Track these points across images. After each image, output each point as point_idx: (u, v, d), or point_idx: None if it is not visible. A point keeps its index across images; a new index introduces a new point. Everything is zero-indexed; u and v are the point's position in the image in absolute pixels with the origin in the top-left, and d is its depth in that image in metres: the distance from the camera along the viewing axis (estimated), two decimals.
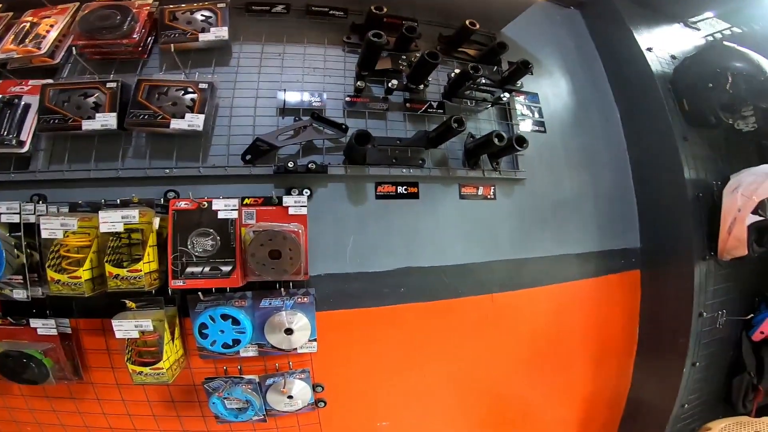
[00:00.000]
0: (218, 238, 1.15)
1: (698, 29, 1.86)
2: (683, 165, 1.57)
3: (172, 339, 1.16)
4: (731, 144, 1.68)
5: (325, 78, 1.41)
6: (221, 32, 1.25)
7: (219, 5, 1.27)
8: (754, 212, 1.44)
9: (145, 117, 1.14)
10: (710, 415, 1.71)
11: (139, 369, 1.10)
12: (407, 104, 1.48)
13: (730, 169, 1.61)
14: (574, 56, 1.84)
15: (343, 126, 1.34)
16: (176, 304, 1.19)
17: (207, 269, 1.14)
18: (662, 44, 1.72)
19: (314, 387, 1.36)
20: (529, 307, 1.62)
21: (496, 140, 1.37)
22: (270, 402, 1.32)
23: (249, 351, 1.27)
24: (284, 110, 1.33)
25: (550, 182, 1.66)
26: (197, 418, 1.31)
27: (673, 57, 1.71)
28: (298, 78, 1.38)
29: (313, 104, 1.36)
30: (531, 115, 1.68)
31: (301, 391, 1.33)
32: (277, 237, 1.16)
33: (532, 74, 1.63)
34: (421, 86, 1.47)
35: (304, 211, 1.23)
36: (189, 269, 1.13)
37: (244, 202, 1.19)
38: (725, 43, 1.66)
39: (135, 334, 1.08)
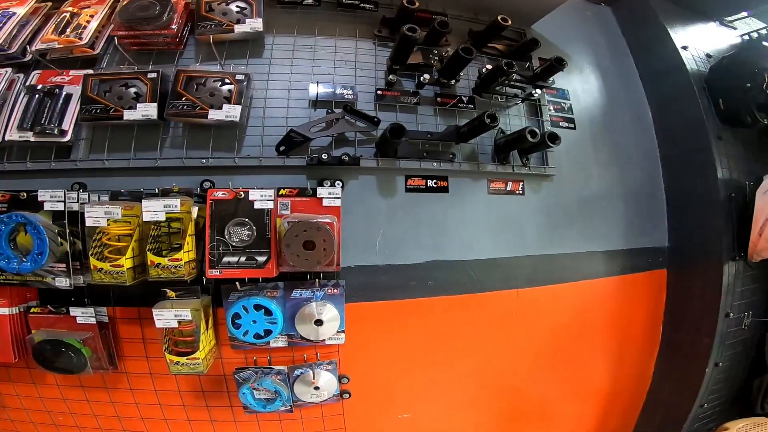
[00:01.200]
0: (254, 228, 1.16)
1: (734, 28, 1.84)
2: (716, 164, 1.55)
3: (207, 329, 1.18)
4: (765, 144, 1.65)
5: (357, 71, 1.42)
6: (256, 23, 1.26)
7: None
8: None
9: (184, 107, 1.15)
10: (728, 415, 1.71)
11: (176, 359, 1.12)
12: (438, 98, 1.48)
13: (764, 169, 1.60)
14: (605, 53, 1.82)
15: (376, 119, 1.35)
16: (210, 293, 1.21)
17: (243, 259, 1.16)
18: (697, 43, 1.70)
19: (340, 378, 1.38)
20: (553, 303, 1.62)
21: (528, 136, 1.37)
22: (297, 393, 1.33)
23: (279, 341, 1.28)
24: (316, 102, 1.34)
25: (579, 179, 1.66)
26: (225, 408, 1.33)
27: (708, 56, 1.69)
28: (329, 71, 1.39)
29: (345, 97, 1.36)
30: (561, 111, 1.68)
31: (327, 382, 1.35)
32: (311, 228, 1.17)
33: (563, 71, 1.63)
34: (453, 81, 1.47)
35: (337, 202, 1.24)
36: (225, 259, 1.15)
37: (280, 193, 1.20)
38: (763, 42, 1.64)
39: (174, 324, 1.10)
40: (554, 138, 1.43)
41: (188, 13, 1.27)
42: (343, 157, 1.29)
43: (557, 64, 1.48)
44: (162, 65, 1.22)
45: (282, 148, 1.26)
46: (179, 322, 1.11)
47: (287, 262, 1.18)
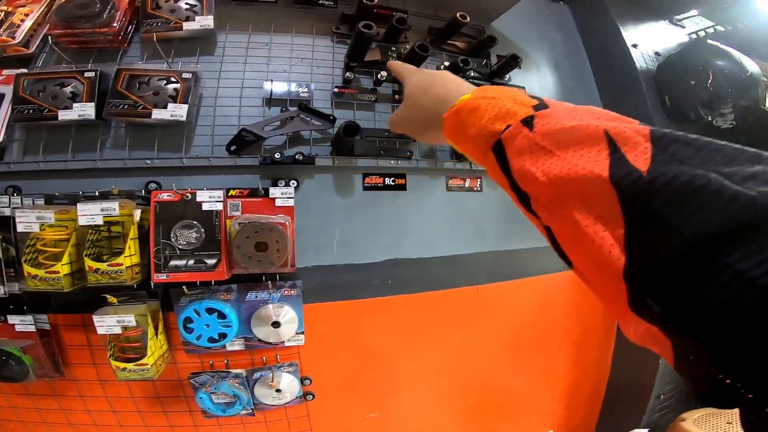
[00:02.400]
0: (202, 230, 1.09)
1: (683, 27, 1.82)
2: None
3: (156, 334, 1.11)
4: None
5: (313, 68, 1.35)
6: (206, 21, 1.18)
7: None
8: None
9: (125, 107, 1.07)
10: (686, 406, 1.70)
11: (122, 365, 1.04)
12: (396, 96, 1.43)
13: None
14: (561, 50, 1.79)
15: (331, 117, 1.28)
16: (159, 298, 1.13)
17: (191, 262, 1.09)
18: (647, 41, 1.68)
19: (302, 380, 1.32)
20: (514, 298, 1.59)
21: None
22: (258, 396, 1.27)
23: (235, 345, 1.22)
24: (270, 101, 1.27)
25: None
26: (184, 414, 1.25)
27: (657, 54, 1.67)
28: (285, 68, 1.31)
29: (301, 95, 1.30)
30: None
31: (289, 384, 1.29)
32: (263, 229, 1.11)
33: (520, 68, 1.60)
34: None
35: (291, 202, 1.18)
36: (173, 262, 1.07)
37: (229, 194, 1.13)
38: (708, 41, 1.62)
39: (118, 330, 1.02)
40: None
41: (134, 11, 1.18)
42: (297, 156, 1.22)
43: (513, 61, 1.44)
44: (105, 64, 1.12)
45: (233, 148, 1.19)
46: (124, 328, 1.03)
47: (239, 264, 1.12)
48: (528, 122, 0.40)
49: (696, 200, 0.26)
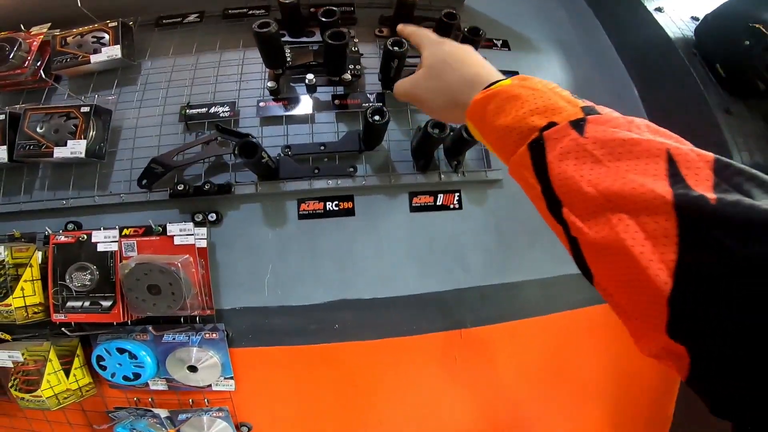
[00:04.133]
0: (97, 272, 0.99)
1: None
2: (729, 145, 1.00)
3: (70, 368, 1.05)
4: None
5: (241, 83, 1.16)
6: (113, 51, 1.08)
7: (111, 25, 1.10)
8: None
9: (31, 147, 1.02)
10: None
11: (21, 395, 1.02)
12: (336, 101, 1.15)
13: None
14: (568, 28, 1.29)
15: (250, 136, 1.07)
16: (78, 336, 1.07)
17: (87, 304, 1.00)
18: (675, 3, 1.15)
19: (239, 426, 1.15)
20: (513, 343, 1.18)
21: (433, 131, 0.98)
22: None
23: (158, 384, 1.10)
24: (188, 126, 1.12)
25: None
26: None
27: (694, 18, 1.14)
28: (210, 89, 1.15)
29: (221, 115, 1.12)
30: None
31: (220, 430, 1.13)
32: (153, 271, 0.96)
33: (509, 49, 1.17)
34: (347, 76, 1.12)
35: (192, 240, 1.01)
36: (69, 303, 1.00)
37: (123, 233, 1.01)
38: None
39: (9, 363, 1.00)
40: None
41: (47, 51, 1.13)
42: (206, 186, 1.05)
43: (473, 36, 1.03)
44: (24, 104, 1.10)
45: (144, 182, 1.07)
46: (16, 362, 1.00)
47: (134, 307, 1.00)
48: (578, 125, 0.36)
49: (762, 233, 0.25)
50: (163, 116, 1.12)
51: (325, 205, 1.11)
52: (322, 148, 1.10)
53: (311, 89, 1.12)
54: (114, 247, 0.99)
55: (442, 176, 1.12)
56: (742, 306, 0.25)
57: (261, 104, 1.13)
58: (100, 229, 1.00)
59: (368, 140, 1.09)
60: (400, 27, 0.71)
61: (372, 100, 1.14)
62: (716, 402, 0.28)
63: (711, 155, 0.31)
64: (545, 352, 1.20)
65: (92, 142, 1.04)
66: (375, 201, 1.13)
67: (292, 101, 1.13)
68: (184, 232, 1.00)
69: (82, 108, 1.03)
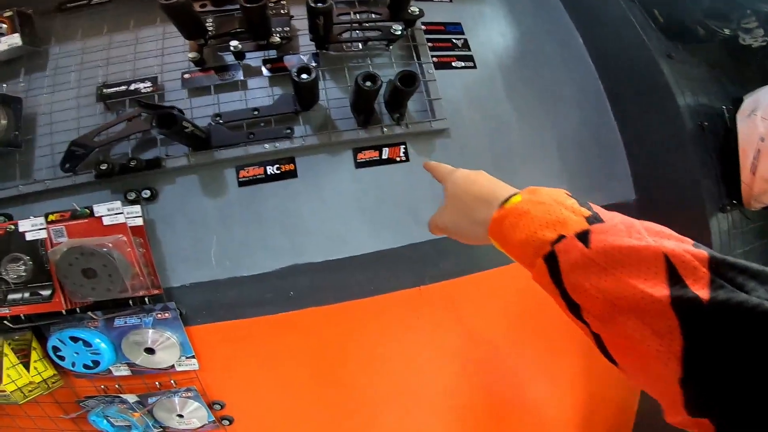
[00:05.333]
0: (30, 262, 0.94)
1: None
2: (672, 88, 0.96)
3: (28, 361, 1.02)
4: (741, 63, 1.02)
5: (164, 58, 1.06)
6: (13, 40, 0.99)
7: (6, 14, 1.00)
8: None
9: None
10: None
11: None
12: (267, 66, 1.06)
13: (741, 89, 0.97)
14: None
15: (175, 109, 0.99)
16: (30, 328, 1.03)
17: (27, 295, 0.95)
18: None
19: (211, 405, 1.12)
20: (476, 295, 1.13)
21: (364, 83, 0.90)
22: (161, 420, 1.12)
23: (121, 370, 1.07)
24: (108, 105, 1.03)
25: (489, 129, 1.11)
26: None
27: None
28: (129, 67, 1.06)
29: (143, 90, 1.03)
30: (453, 49, 1.11)
31: (193, 410, 1.11)
32: (84, 254, 0.91)
33: (451, 1, 1.09)
34: (276, 38, 1.03)
35: (122, 218, 0.94)
36: (10, 296, 0.95)
37: (49, 219, 0.95)
38: None
39: None
40: (410, 80, 0.92)
41: None
42: (131, 162, 0.97)
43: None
44: None
45: (67, 165, 0.99)
46: None
47: (74, 293, 0.95)
48: (583, 237, 0.38)
49: (754, 331, 0.27)
50: (79, 98, 1.04)
51: (265, 170, 1.05)
52: (255, 112, 1.03)
53: (239, 56, 1.03)
54: (43, 234, 0.93)
55: (385, 130, 1.05)
56: (747, 393, 0.27)
57: (186, 76, 1.04)
58: (28, 218, 0.94)
59: (302, 100, 1.01)
60: (424, 164, 0.72)
61: (306, 61, 1.05)
62: None
63: (705, 254, 0.32)
64: (510, 304, 1.15)
65: (4, 132, 0.96)
66: (318, 161, 1.06)
67: (220, 70, 1.04)
68: (113, 212, 0.94)
69: None
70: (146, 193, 1.01)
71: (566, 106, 1.13)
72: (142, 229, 0.98)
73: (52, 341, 1.01)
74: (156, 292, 1.00)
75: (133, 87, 1.03)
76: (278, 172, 1.05)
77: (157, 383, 1.10)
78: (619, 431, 1.33)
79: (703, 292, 0.30)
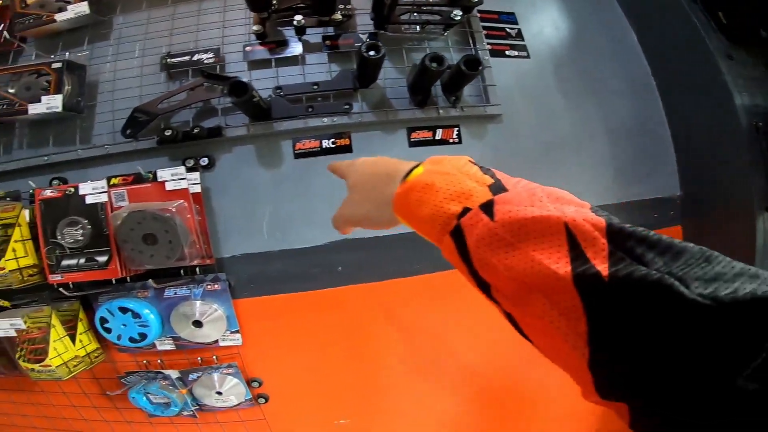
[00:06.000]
0: (89, 226, 0.92)
1: None
2: (731, 88, 0.97)
3: (75, 333, 0.99)
4: None
5: (224, 30, 1.06)
6: (81, 8, 0.99)
7: None
8: None
9: (4, 107, 0.94)
10: None
11: (31, 366, 0.95)
12: (327, 42, 1.07)
13: None
14: None
15: (236, 80, 0.99)
16: (77, 297, 1.00)
17: (82, 261, 0.93)
18: None
19: (250, 382, 1.10)
20: None
21: (431, 64, 0.92)
22: (199, 397, 1.09)
23: (165, 344, 1.04)
24: (171, 74, 1.03)
25: (540, 117, 1.12)
26: (136, 410, 1.12)
27: None
28: (191, 38, 1.06)
29: (206, 62, 1.03)
30: (506, 38, 1.14)
31: (232, 387, 1.08)
32: (146, 219, 0.89)
33: None
34: (338, 16, 1.04)
35: (185, 184, 0.93)
36: (65, 262, 0.93)
37: (112, 183, 0.93)
38: None
39: (12, 332, 0.92)
40: (474, 64, 0.94)
41: (7, 14, 1.04)
42: (195, 130, 0.97)
43: None
44: None
45: (129, 131, 0.99)
46: (19, 330, 0.93)
47: (131, 260, 0.93)
48: (488, 208, 0.35)
49: (655, 307, 0.27)
50: (143, 68, 1.04)
51: (321, 143, 1.05)
52: (315, 87, 1.03)
53: (300, 31, 1.04)
54: (103, 198, 0.92)
55: (441, 111, 1.06)
56: (647, 371, 0.27)
57: (247, 49, 1.05)
58: (87, 182, 0.92)
59: (363, 77, 1.02)
60: (328, 167, 0.67)
61: (364, 40, 1.07)
62: None
63: (603, 221, 0.31)
64: None
65: (68, 97, 0.96)
66: (372, 137, 1.07)
67: (280, 44, 1.05)
68: (176, 177, 0.93)
69: (53, 64, 0.95)
70: (204, 161, 1.01)
71: (616, 98, 1.15)
72: (200, 197, 0.97)
73: (101, 312, 0.98)
74: (209, 262, 0.99)
75: (196, 57, 1.03)
76: (333, 146, 1.05)
77: (199, 358, 1.07)
78: None
79: (603, 267, 0.29)
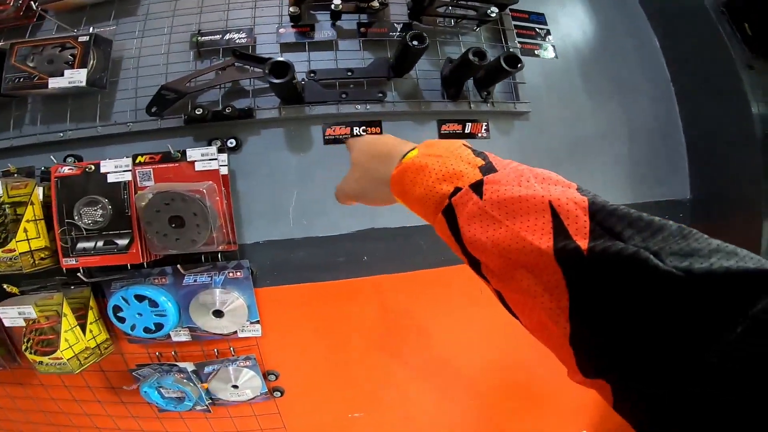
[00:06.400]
0: (109, 206, 0.86)
1: None
2: (749, 97, 1.02)
3: (85, 323, 0.92)
4: None
5: (256, 11, 1.03)
6: None
7: None
8: None
9: (21, 80, 0.87)
10: None
11: (39, 359, 0.87)
12: (362, 29, 1.05)
13: None
14: None
15: (270, 60, 0.96)
16: (89, 284, 0.93)
17: (100, 244, 0.86)
18: None
19: (266, 375, 1.05)
20: None
21: (473, 58, 0.91)
22: (213, 390, 1.03)
23: (180, 335, 0.99)
24: (200, 53, 0.98)
25: (566, 116, 1.13)
26: (143, 405, 1.05)
27: None
28: (221, 17, 1.02)
29: (237, 42, 0.99)
30: (536, 38, 1.15)
31: (248, 380, 1.03)
32: (175, 199, 0.84)
33: None
34: (376, 3, 1.02)
35: (215, 165, 0.88)
36: (80, 245, 0.86)
37: (137, 161, 0.88)
38: None
39: (21, 322, 0.85)
40: (514, 61, 0.95)
41: None
42: (227, 110, 0.93)
43: None
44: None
45: (154, 109, 0.93)
46: (29, 320, 0.86)
47: (154, 243, 0.87)
48: (477, 188, 0.37)
49: (630, 280, 0.27)
50: (170, 45, 0.98)
51: (351, 130, 1.02)
52: (350, 73, 1.01)
53: (336, 16, 1.01)
54: (127, 177, 0.86)
55: (472, 105, 1.05)
56: (625, 344, 0.27)
57: (281, 30, 1.01)
58: (108, 160, 0.86)
59: (400, 66, 1.00)
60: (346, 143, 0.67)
61: (398, 28, 1.05)
62: (639, 428, 0.29)
63: (585, 199, 0.32)
64: None
65: (93, 71, 0.90)
66: (403, 127, 1.05)
67: (313, 28, 1.02)
68: (207, 157, 0.88)
69: (80, 38, 0.89)
70: (231, 143, 0.96)
71: (637, 98, 1.18)
72: (228, 179, 0.92)
73: (115, 300, 0.92)
74: (232, 248, 0.94)
75: (228, 37, 0.98)
76: (364, 133, 1.03)
77: (215, 350, 1.02)
78: None
79: (583, 242, 0.29)
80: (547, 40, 1.15)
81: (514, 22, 1.12)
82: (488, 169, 0.38)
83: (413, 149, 0.45)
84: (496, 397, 1.21)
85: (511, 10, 1.12)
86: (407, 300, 1.07)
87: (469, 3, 1.04)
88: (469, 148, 0.42)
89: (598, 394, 0.30)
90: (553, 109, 1.12)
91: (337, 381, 1.10)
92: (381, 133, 1.03)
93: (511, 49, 1.09)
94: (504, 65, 0.94)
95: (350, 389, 1.11)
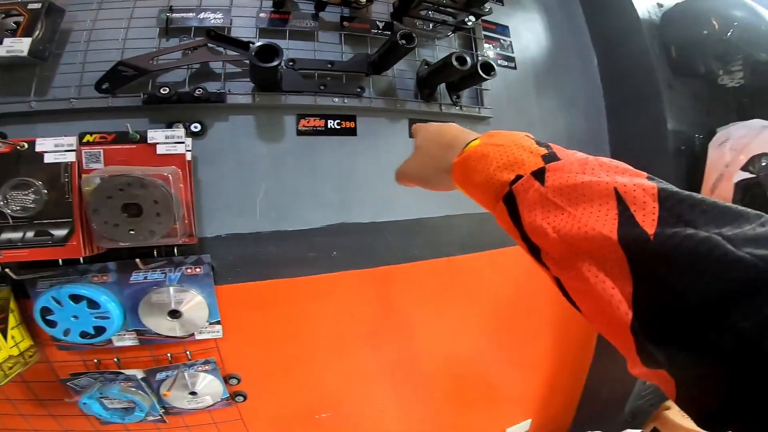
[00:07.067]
0: (44, 190, 0.72)
1: None
2: (666, 114, 1.15)
3: (6, 327, 0.76)
4: (716, 97, 1.24)
5: None
6: None
7: None
8: (744, 168, 1.06)
9: None
10: None
11: None
12: (344, 23, 1.00)
13: (714, 122, 1.19)
14: None
15: (250, 45, 0.87)
16: (9, 282, 0.77)
17: (30, 234, 0.72)
18: None
19: (227, 379, 0.96)
20: (492, 272, 1.18)
21: (456, 63, 0.92)
22: (168, 399, 0.92)
23: (125, 339, 0.86)
24: (168, 30, 0.86)
25: (521, 124, 1.20)
26: (78, 417, 0.91)
27: (659, 5, 1.25)
28: None
29: (212, 22, 0.89)
30: (500, 48, 1.20)
31: (207, 385, 0.93)
32: (133, 184, 0.72)
33: (503, 4, 1.22)
34: (364, 1, 0.99)
35: (182, 149, 0.78)
36: (4, 235, 0.71)
37: (85, 140, 0.75)
38: None
39: None
40: (489, 68, 0.97)
41: None
42: (197, 92, 0.83)
43: None
44: None
45: (105, 86, 0.80)
46: None
47: (101, 234, 0.74)
48: (539, 175, 0.36)
49: (700, 266, 0.25)
50: (131, 20, 0.85)
51: (326, 123, 0.97)
52: (330, 66, 0.96)
53: (320, 6, 0.95)
54: (70, 157, 0.72)
55: (443, 108, 1.07)
56: (692, 333, 0.26)
57: (261, 15, 0.93)
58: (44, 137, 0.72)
59: (381, 64, 0.97)
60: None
61: (380, 26, 1.03)
62: (701, 420, 0.27)
63: (654, 186, 0.31)
64: (513, 280, 1.21)
65: (37, 41, 0.75)
66: (377, 123, 1.03)
67: (297, 16, 0.96)
68: (172, 140, 0.77)
69: (30, 5, 0.74)
70: (196, 127, 0.86)
71: (578, 113, 1.29)
72: (190, 165, 0.82)
73: (43, 301, 0.77)
74: (191, 241, 0.84)
75: (202, 16, 0.88)
76: (338, 127, 0.98)
77: (168, 355, 0.91)
78: (571, 401, 1.51)
79: (651, 229, 0.28)
80: (509, 51, 1.20)
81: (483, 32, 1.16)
82: (551, 157, 0.38)
83: (476, 139, 0.45)
84: (456, 391, 1.24)
85: (482, 20, 1.15)
86: (375, 296, 1.05)
87: (449, 10, 1.06)
88: (531, 138, 0.42)
89: (655, 383, 0.30)
90: (511, 117, 1.18)
91: (305, 381, 1.05)
92: (355, 126, 1.00)
93: (480, 57, 1.12)
94: (480, 72, 0.96)
95: (316, 389, 1.06)
